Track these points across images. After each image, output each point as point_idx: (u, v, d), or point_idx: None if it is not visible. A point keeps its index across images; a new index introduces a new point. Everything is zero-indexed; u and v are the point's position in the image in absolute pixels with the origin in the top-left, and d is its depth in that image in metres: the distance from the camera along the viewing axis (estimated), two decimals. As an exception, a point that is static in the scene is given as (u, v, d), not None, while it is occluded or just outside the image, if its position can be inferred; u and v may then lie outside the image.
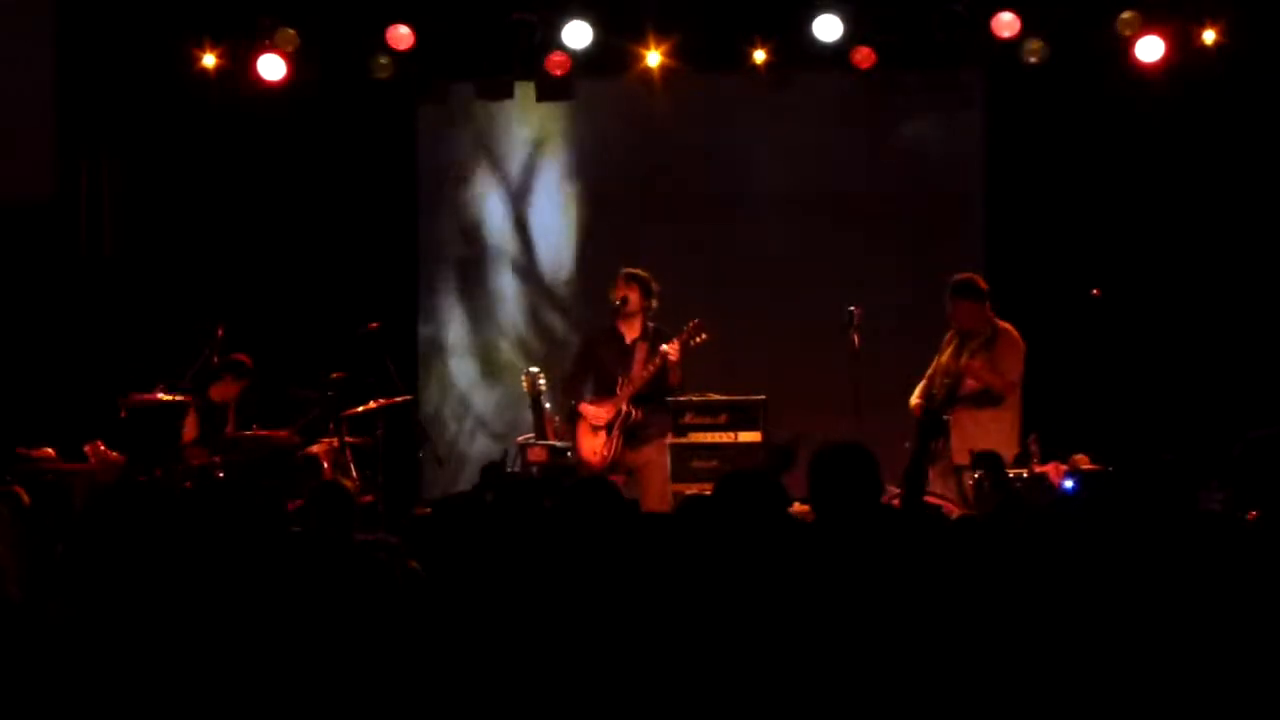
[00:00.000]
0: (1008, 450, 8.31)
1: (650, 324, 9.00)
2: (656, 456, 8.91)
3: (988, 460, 6.21)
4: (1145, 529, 4.33)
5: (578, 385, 9.05)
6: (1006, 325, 8.73)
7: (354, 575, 4.24)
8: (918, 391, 8.82)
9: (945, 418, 8.14)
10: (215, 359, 9.41)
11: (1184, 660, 3.80)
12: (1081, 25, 10.37)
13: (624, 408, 8.84)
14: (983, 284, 8.74)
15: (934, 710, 3.68)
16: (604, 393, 8.95)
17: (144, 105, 10.76)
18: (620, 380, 8.88)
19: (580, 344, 9.26)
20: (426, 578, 4.51)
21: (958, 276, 8.80)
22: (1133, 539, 4.31)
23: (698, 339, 8.82)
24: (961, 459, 8.44)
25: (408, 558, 4.75)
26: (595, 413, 8.91)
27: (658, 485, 8.80)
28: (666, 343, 8.83)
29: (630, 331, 8.98)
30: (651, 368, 8.80)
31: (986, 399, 8.60)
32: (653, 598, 4.11)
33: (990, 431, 8.50)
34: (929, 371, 8.89)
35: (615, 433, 8.83)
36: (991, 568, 4.14)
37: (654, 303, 8.97)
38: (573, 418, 8.98)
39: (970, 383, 8.62)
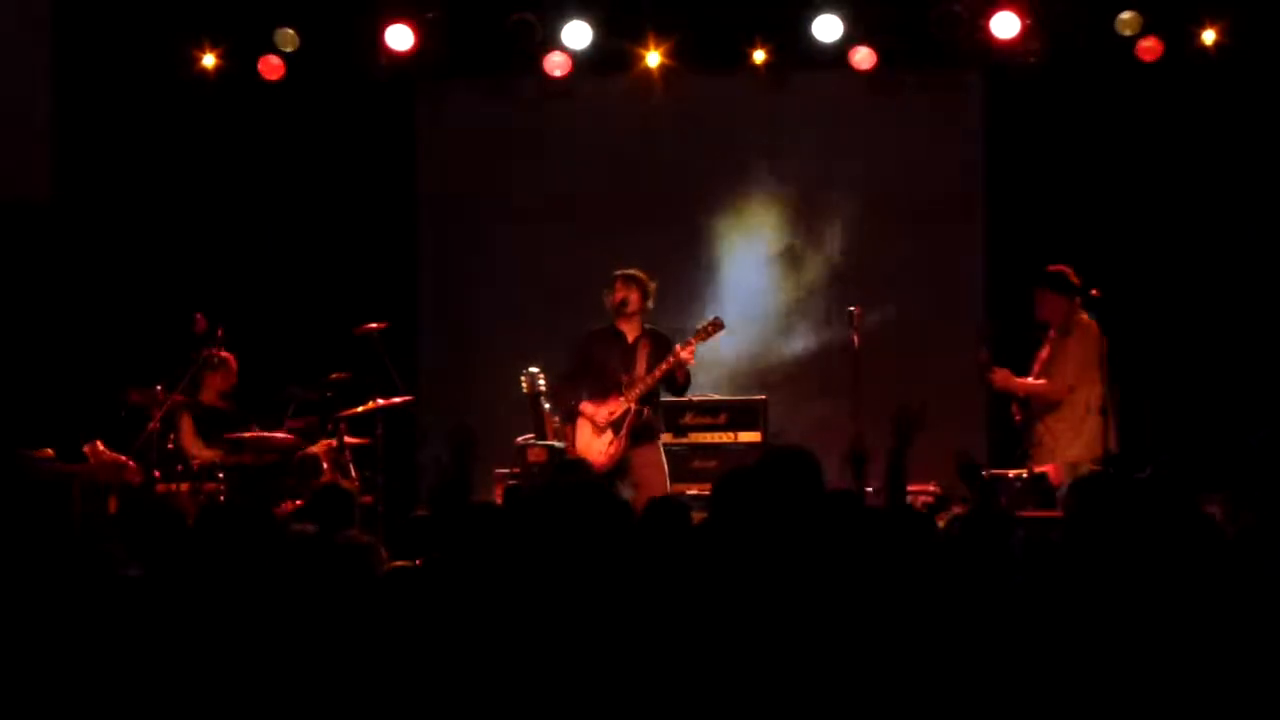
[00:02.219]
0: (1075, 456, 8.07)
1: (648, 324, 8.95)
2: (655, 456, 8.85)
3: (965, 470, 6.11)
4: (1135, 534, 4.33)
5: (576, 385, 8.95)
6: (1084, 321, 8.46)
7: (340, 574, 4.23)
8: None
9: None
10: (215, 360, 9.41)
11: (1170, 666, 3.80)
12: (1081, 25, 10.37)
13: (632, 407, 8.75)
14: (1073, 277, 8.47)
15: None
16: (604, 393, 8.82)
17: (144, 105, 10.76)
18: (624, 380, 8.79)
19: (578, 343, 9.10)
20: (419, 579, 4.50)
21: (1049, 266, 8.55)
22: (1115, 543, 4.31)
23: (714, 336, 8.76)
24: (1041, 465, 8.25)
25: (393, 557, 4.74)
26: (597, 412, 8.80)
27: (659, 484, 8.73)
28: (668, 343, 8.79)
29: (630, 331, 8.92)
30: (663, 369, 8.70)
31: (1047, 403, 8.37)
32: (651, 600, 4.11)
33: (1060, 439, 8.31)
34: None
35: (623, 432, 8.73)
36: (928, 566, 4.15)
37: (650, 303, 8.92)
38: (571, 417, 8.89)
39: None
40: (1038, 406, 8.43)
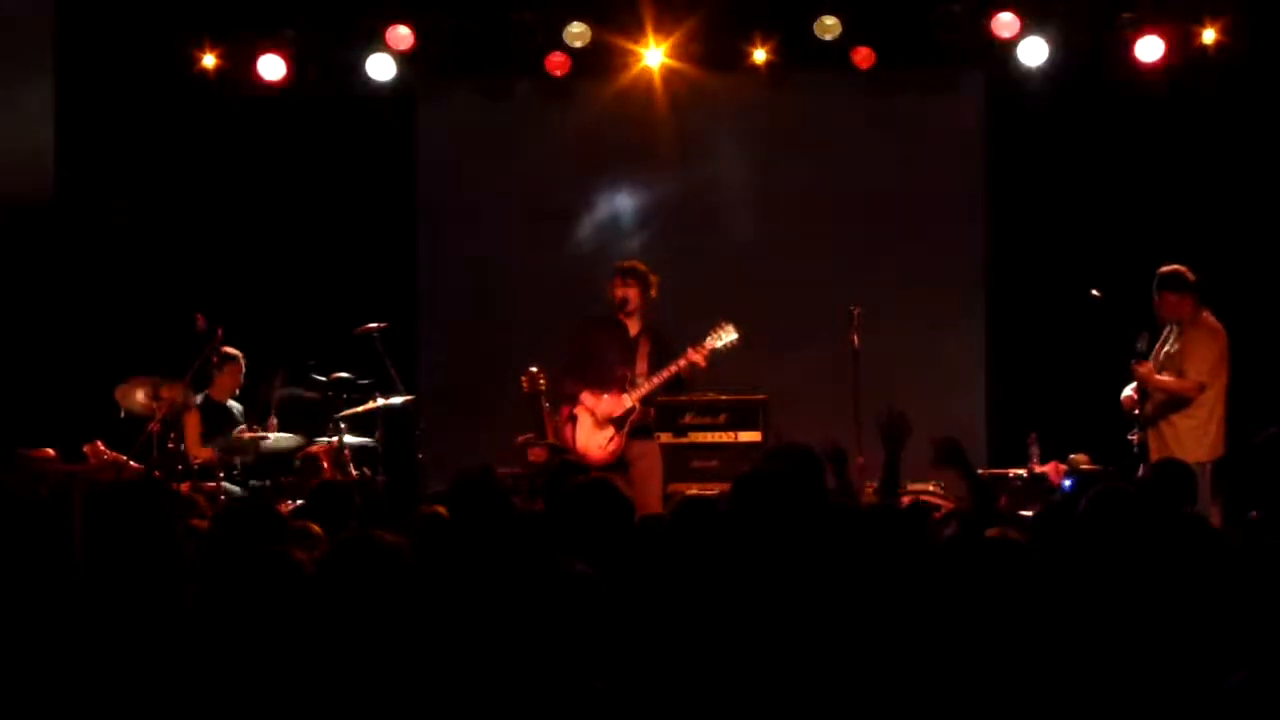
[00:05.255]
0: (1202, 455, 8.03)
1: (650, 319, 8.89)
2: (652, 451, 8.80)
3: (949, 452, 5.77)
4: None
5: (575, 373, 8.86)
6: (1206, 318, 8.42)
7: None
8: (1131, 387, 8.53)
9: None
10: (215, 359, 9.41)
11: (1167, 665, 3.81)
12: (1081, 25, 10.37)
13: (637, 407, 8.69)
14: (1189, 275, 8.40)
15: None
16: (605, 385, 8.77)
17: (144, 106, 10.76)
18: (628, 375, 8.72)
19: (576, 331, 9.01)
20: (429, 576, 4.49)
21: (1162, 268, 8.46)
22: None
23: (729, 346, 8.68)
24: (1158, 457, 8.07)
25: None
26: (598, 405, 8.72)
27: (654, 481, 8.69)
28: (668, 344, 8.72)
29: (632, 324, 8.85)
30: (672, 371, 8.62)
31: (1175, 401, 8.31)
32: (652, 602, 4.11)
33: (1184, 438, 8.23)
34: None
35: (625, 430, 8.67)
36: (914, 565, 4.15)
37: (653, 294, 8.85)
38: (570, 401, 8.78)
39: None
40: (1165, 403, 8.35)
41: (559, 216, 11.20)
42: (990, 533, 4.17)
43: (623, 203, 11.18)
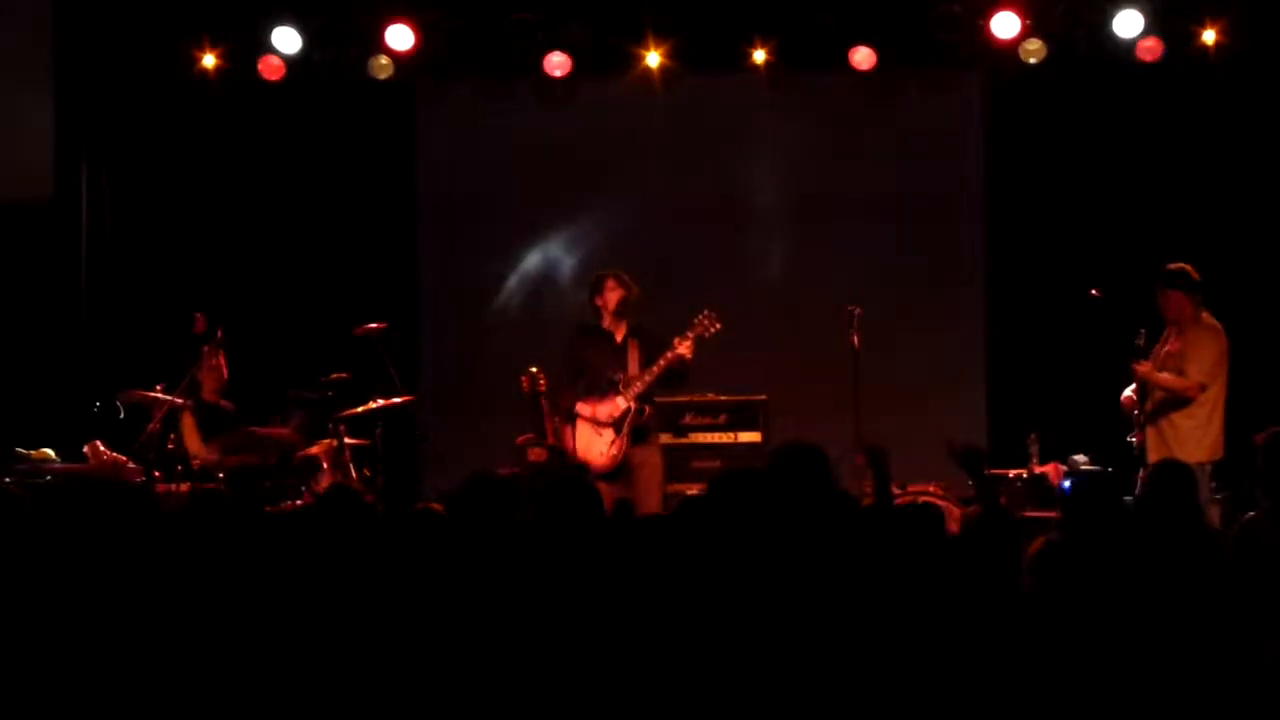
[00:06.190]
0: (1202, 456, 8.02)
1: (634, 321, 8.87)
2: (654, 456, 8.77)
3: (968, 457, 5.69)
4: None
5: (573, 386, 8.87)
6: (1207, 319, 8.35)
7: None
8: (1131, 388, 8.45)
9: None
10: (215, 359, 9.40)
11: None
12: (1081, 25, 10.38)
13: (633, 406, 8.68)
14: (1194, 274, 8.31)
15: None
16: (600, 392, 8.74)
17: (144, 105, 10.77)
18: (621, 379, 8.72)
19: (567, 345, 9.01)
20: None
21: (1169, 265, 8.39)
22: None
23: (711, 330, 8.68)
24: (1155, 457, 8.02)
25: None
26: (596, 411, 8.72)
27: (655, 485, 8.68)
28: (657, 339, 8.71)
29: (618, 330, 8.85)
30: (662, 365, 8.62)
31: (1175, 400, 8.25)
32: (649, 602, 4.11)
33: (1184, 438, 8.18)
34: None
35: (624, 432, 8.65)
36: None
37: (632, 300, 8.84)
38: (570, 418, 8.81)
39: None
40: (1165, 402, 8.30)
41: (558, 216, 11.20)
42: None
43: (622, 202, 11.18)
